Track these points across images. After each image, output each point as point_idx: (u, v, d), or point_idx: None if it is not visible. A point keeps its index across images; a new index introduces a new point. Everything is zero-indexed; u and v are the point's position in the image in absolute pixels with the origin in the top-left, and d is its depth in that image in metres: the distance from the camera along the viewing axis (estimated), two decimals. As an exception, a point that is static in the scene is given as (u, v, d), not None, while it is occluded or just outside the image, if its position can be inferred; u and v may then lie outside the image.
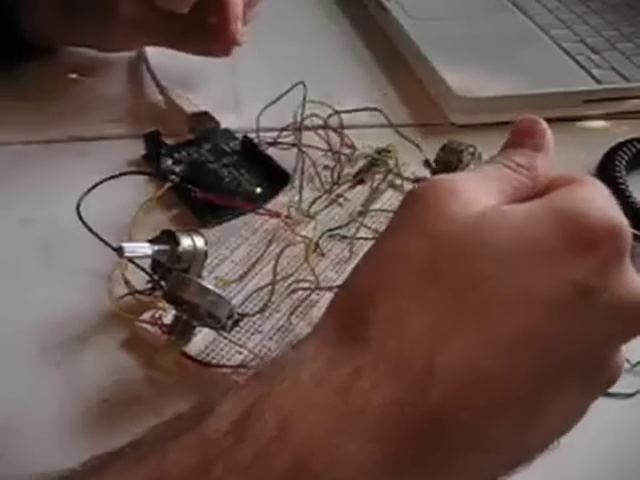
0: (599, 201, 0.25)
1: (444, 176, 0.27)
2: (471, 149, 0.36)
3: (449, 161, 0.37)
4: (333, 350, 0.23)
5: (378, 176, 0.46)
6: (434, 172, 0.41)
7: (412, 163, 0.47)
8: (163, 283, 0.35)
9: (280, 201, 0.45)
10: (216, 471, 0.21)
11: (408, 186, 0.46)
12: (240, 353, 0.35)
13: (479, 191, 0.25)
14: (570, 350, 0.24)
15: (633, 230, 0.26)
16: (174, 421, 0.23)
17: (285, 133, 0.48)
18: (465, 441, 0.23)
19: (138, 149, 0.48)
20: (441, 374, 0.22)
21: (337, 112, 0.48)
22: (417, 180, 0.44)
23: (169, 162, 0.46)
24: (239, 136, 0.50)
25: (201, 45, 0.52)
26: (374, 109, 0.50)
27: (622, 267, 0.24)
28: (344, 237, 0.42)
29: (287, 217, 0.43)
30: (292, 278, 0.39)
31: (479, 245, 0.24)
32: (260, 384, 0.23)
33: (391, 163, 0.47)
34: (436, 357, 0.22)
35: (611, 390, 0.34)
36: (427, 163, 0.41)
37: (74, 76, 0.55)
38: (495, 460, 0.24)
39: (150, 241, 0.35)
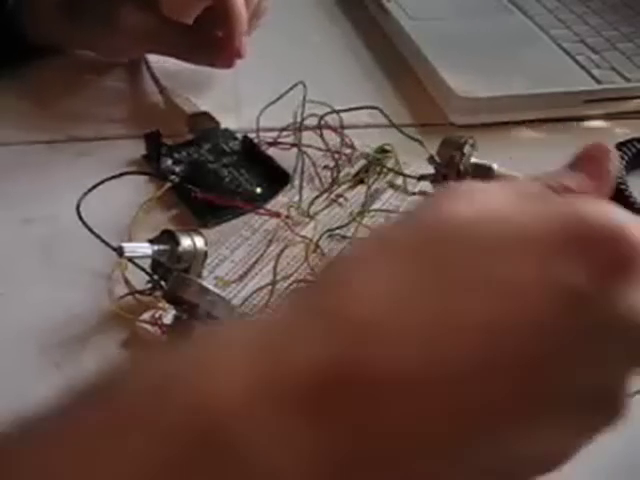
0: (611, 209, 0.22)
1: (470, 183, 0.23)
2: (471, 141, 0.36)
3: (452, 155, 0.37)
4: (272, 317, 0.21)
5: (378, 176, 0.46)
6: (438, 168, 0.40)
7: (412, 163, 0.47)
8: (163, 283, 0.35)
9: (280, 201, 0.45)
10: (132, 440, 0.18)
11: (409, 186, 0.46)
12: (240, 353, 0.35)
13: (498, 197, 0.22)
14: (560, 369, 0.20)
15: None
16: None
17: (285, 133, 0.48)
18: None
19: (138, 149, 0.48)
20: (385, 328, 0.19)
21: (336, 111, 0.48)
22: (421, 177, 0.43)
23: (169, 162, 0.46)
24: (239, 136, 0.50)
25: (204, 56, 0.52)
26: (374, 107, 0.49)
27: (626, 279, 0.20)
28: (344, 237, 0.42)
29: (287, 217, 0.43)
30: (292, 278, 0.39)
31: (469, 231, 0.21)
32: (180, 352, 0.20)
33: (391, 163, 0.47)
34: (385, 314, 0.19)
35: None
36: (432, 159, 0.41)
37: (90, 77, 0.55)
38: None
39: (150, 241, 0.35)
